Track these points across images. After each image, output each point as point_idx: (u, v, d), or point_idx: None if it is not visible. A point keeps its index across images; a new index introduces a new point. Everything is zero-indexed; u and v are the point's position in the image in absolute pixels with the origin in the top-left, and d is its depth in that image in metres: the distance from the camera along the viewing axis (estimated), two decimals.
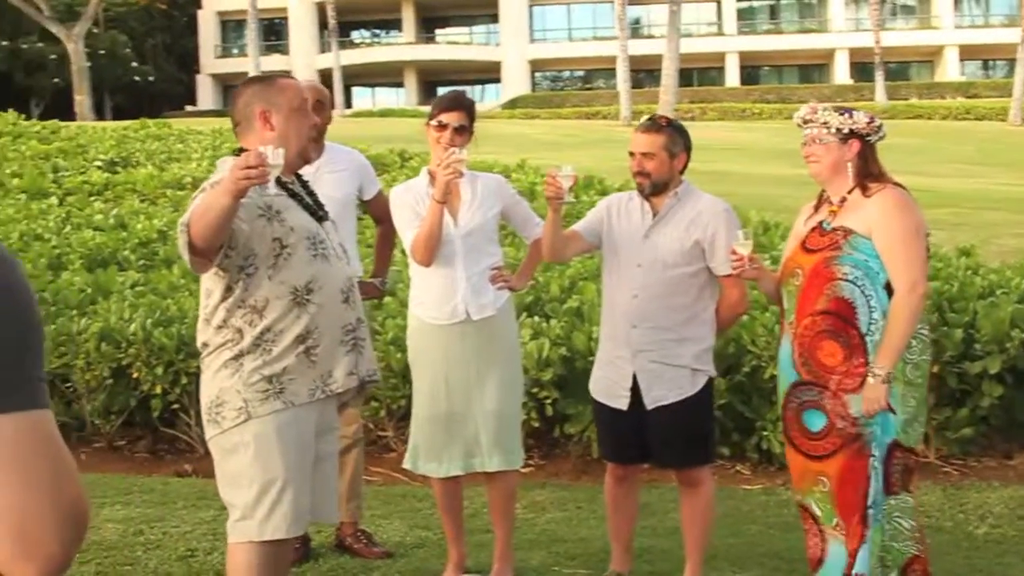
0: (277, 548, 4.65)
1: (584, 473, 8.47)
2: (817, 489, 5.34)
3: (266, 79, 4.91)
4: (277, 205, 4.61)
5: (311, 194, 4.95)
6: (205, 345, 4.71)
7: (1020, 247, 14.01)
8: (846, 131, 5.34)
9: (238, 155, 4.75)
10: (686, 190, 5.96)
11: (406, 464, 6.35)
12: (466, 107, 6.25)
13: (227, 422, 4.58)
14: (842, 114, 5.39)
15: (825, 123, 5.37)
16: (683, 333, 5.81)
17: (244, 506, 4.60)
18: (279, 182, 4.69)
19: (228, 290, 4.59)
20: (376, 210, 7.10)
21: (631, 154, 5.95)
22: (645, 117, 6.12)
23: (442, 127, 6.13)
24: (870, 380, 5.11)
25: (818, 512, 5.36)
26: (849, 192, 5.35)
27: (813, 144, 5.41)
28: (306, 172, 6.37)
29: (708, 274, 5.86)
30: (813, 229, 5.41)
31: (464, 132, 6.16)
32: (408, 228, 6.14)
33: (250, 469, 4.56)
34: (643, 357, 5.82)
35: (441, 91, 6.67)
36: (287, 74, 5.05)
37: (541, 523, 7.34)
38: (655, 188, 5.89)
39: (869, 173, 5.37)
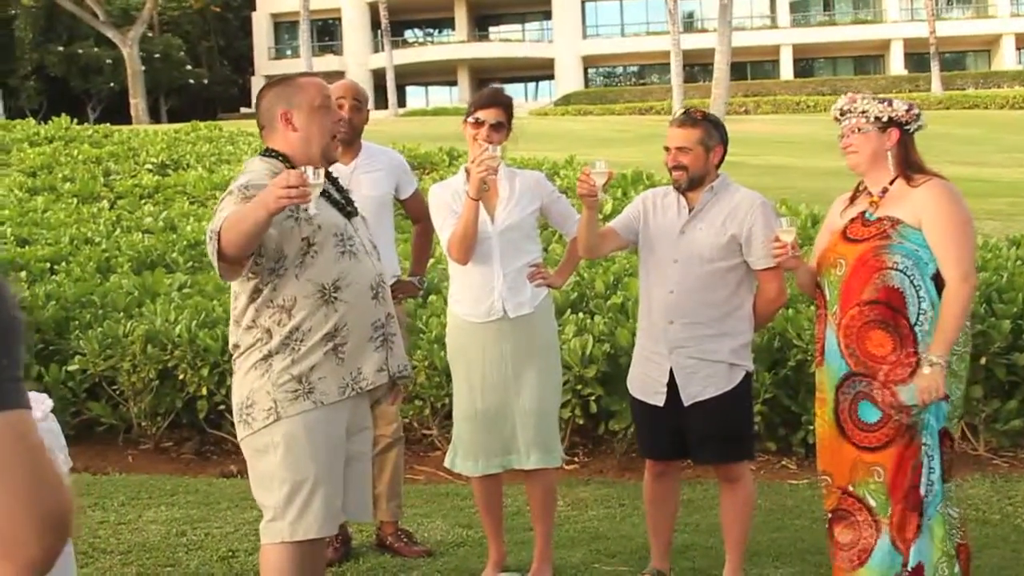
0: (310, 548, 4.64)
1: (628, 470, 8.44)
2: (872, 480, 5.27)
3: (286, 79, 4.88)
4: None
5: (340, 190, 4.95)
6: (236, 346, 4.72)
7: None
8: (885, 119, 5.28)
9: (266, 156, 4.76)
10: (722, 184, 5.90)
11: (446, 462, 6.34)
12: (503, 104, 6.22)
13: (257, 423, 4.58)
14: (880, 103, 5.33)
15: (864, 112, 5.31)
16: (720, 328, 5.77)
17: (275, 507, 4.59)
18: None
19: (256, 290, 4.60)
20: (413, 209, 7.10)
21: (666, 149, 5.91)
22: (680, 111, 6.06)
23: (479, 124, 6.11)
24: (926, 370, 5.04)
25: (873, 503, 5.29)
26: (891, 183, 5.29)
27: (852, 135, 5.35)
28: (343, 172, 6.42)
29: (745, 268, 5.81)
30: (853, 219, 5.35)
31: (501, 129, 6.14)
32: (445, 226, 6.13)
33: (280, 470, 4.56)
34: (680, 353, 5.78)
35: None
36: (305, 74, 5.02)
37: (583, 520, 7.31)
38: (692, 182, 5.84)
39: (911, 163, 5.31)
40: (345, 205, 4.84)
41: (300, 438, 4.53)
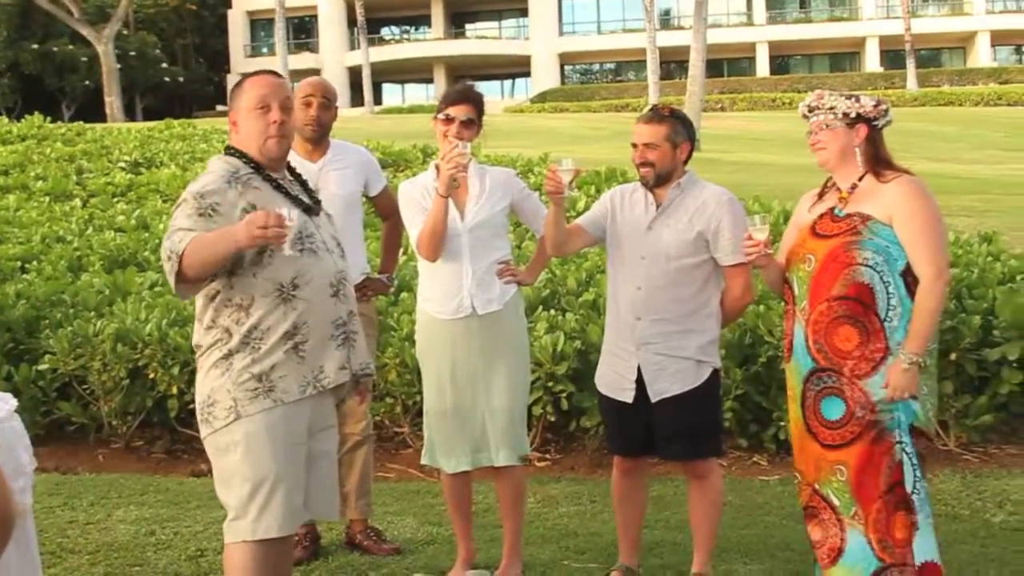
0: (273, 547, 4.62)
1: (600, 467, 8.42)
2: (835, 479, 5.25)
3: (239, 82, 4.90)
4: (261, 202, 4.58)
5: (304, 187, 4.93)
6: (198, 346, 4.71)
7: None
8: (853, 115, 5.28)
9: (228, 154, 4.75)
10: (689, 180, 5.89)
11: (424, 459, 6.33)
12: (473, 100, 6.20)
13: (218, 422, 4.57)
14: (848, 99, 5.33)
15: (832, 108, 5.30)
16: (687, 325, 5.76)
17: (237, 506, 4.58)
18: (266, 177, 4.69)
19: (213, 290, 4.60)
20: (382, 206, 7.08)
21: (634, 145, 5.90)
22: (647, 108, 6.05)
23: (449, 120, 6.10)
24: (904, 365, 5.03)
25: (836, 502, 5.28)
26: (860, 179, 5.29)
27: (820, 132, 5.34)
28: (311, 169, 6.42)
29: (713, 265, 5.80)
30: (822, 215, 5.34)
31: (472, 126, 6.13)
32: (414, 223, 6.12)
33: (241, 468, 4.55)
34: (647, 349, 5.78)
35: None
36: (261, 72, 4.99)
37: (554, 517, 7.31)
38: (659, 179, 5.83)
39: (880, 158, 5.31)
40: (306, 202, 4.82)
41: (260, 436, 4.52)
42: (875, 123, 5.32)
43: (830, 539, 5.35)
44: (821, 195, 5.47)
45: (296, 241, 4.59)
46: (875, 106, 5.30)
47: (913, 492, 5.14)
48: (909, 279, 5.12)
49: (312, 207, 4.83)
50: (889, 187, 5.19)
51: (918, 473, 5.16)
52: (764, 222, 5.40)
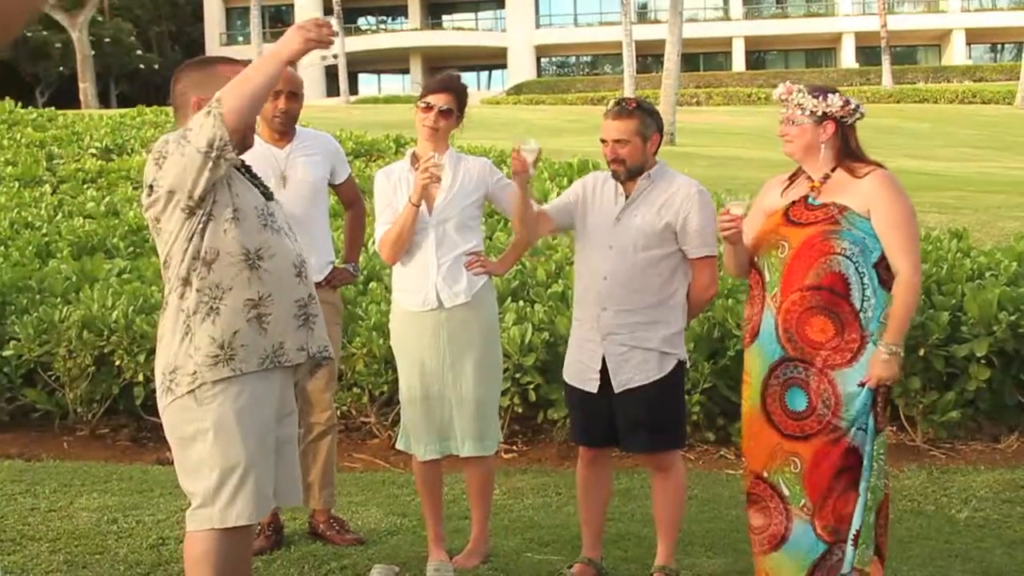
0: (238, 535, 4.56)
1: (567, 459, 8.38)
2: (788, 469, 5.26)
3: (203, 64, 4.78)
4: (231, 174, 4.54)
5: (254, 177, 4.88)
6: (165, 304, 4.62)
7: (1021, 229, 13.94)
8: (820, 113, 5.26)
9: None
10: (659, 171, 5.87)
11: (399, 444, 6.40)
12: (455, 90, 6.19)
13: (180, 388, 4.50)
14: (816, 96, 5.28)
15: (799, 104, 5.29)
16: (653, 316, 5.74)
17: (204, 493, 4.51)
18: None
19: (184, 239, 4.49)
20: (346, 194, 7.04)
21: (603, 141, 5.86)
22: (612, 102, 6.02)
23: (429, 108, 6.10)
24: (885, 356, 5.05)
25: (786, 492, 5.28)
26: (832, 170, 5.28)
27: (788, 124, 5.34)
28: (278, 156, 6.39)
29: (680, 257, 5.79)
30: (795, 202, 5.32)
31: (450, 116, 6.14)
32: (380, 221, 6.16)
33: (211, 456, 4.49)
34: (612, 340, 5.76)
35: None
36: (227, 59, 4.91)
37: (519, 509, 7.29)
38: (631, 174, 5.82)
39: (850, 152, 5.30)
40: (265, 189, 4.75)
41: (230, 423, 4.46)
42: (843, 120, 5.30)
43: (773, 526, 5.35)
44: (791, 180, 5.45)
45: (260, 216, 4.54)
46: (843, 105, 5.27)
47: (867, 493, 5.14)
48: (881, 271, 5.14)
49: (268, 194, 4.76)
50: (866, 181, 5.19)
51: (874, 461, 5.15)
52: (742, 200, 5.39)
